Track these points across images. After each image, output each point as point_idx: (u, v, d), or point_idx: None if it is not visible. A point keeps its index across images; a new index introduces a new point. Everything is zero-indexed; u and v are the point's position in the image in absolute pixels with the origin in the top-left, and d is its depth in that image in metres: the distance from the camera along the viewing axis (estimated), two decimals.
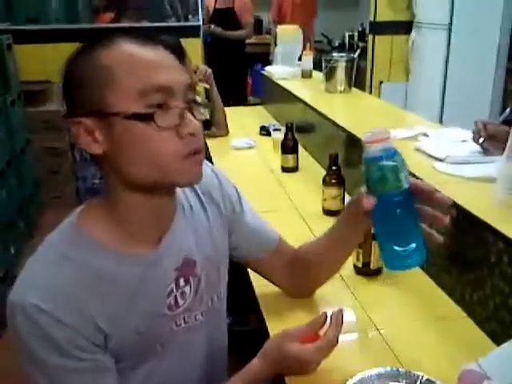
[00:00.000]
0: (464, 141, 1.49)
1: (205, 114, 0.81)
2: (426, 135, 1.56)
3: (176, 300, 0.86)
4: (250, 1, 4.39)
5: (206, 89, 2.34)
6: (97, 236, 0.79)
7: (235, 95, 2.62)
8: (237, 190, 1.04)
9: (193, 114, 0.76)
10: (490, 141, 1.36)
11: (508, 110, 1.03)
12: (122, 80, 0.72)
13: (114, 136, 0.73)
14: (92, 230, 0.79)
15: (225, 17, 4.36)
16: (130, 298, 0.80)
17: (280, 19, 4.57)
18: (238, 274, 1.05)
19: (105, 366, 0.78)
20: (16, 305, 0.72)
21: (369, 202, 0.83)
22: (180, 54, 0.79)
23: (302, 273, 1.08)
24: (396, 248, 0.82)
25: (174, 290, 0.86)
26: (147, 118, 0.71)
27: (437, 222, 0.83)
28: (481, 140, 1.37)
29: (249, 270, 1.19)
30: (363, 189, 0.87)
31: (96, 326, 0.76)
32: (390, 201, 0.81)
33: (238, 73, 4.26)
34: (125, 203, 0.79)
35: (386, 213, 0.82)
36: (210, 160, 2.08)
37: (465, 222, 1.04)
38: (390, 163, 0.80)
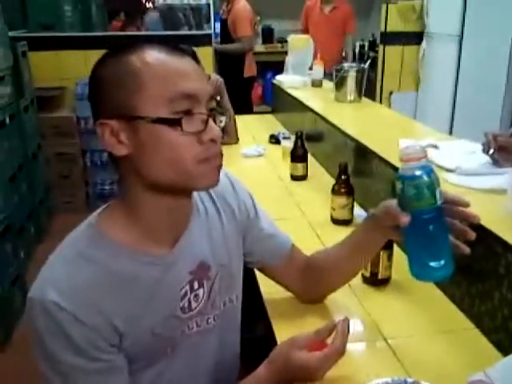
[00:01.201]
0: (474, 152, 1.49)
1: (223, 121, 0.84)
2: (435, 146, 1.56)
3: (189, 303, 0.87)
4: (247, 14, 4.19)
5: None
6: (115, 237, 0.81)
7: (238, 107, 2.65)
8: (251, 196, 1.06)
9: (214, 121, 0.79)
10: (500, 152, 1.36)
11: None
12: (151, 86, 0.75)
13: (139, 139, 0.75)
14: (110, 230, 0.81)
15: (223, 28, 4.37)
16: (146, 298, 0.81)
17: (307, 31, 4.40)
18: (246, 280, 1.06)
19: (118, 367, 0.79)
20: (36, 301, 0.74)
21: (406, 219, 0.84)
22: (197, 62, 0.82)
23: (314, 279, 1.09)
24: (426, 261, 0.84)
25: (188, 293, 0.87)
26: (174, 123, 0.74)
27: (465, 235, 0.86)
28: (491, 151, 1.37)
29: (257, 276, 1.19)
30: (391, 202, 0.89)
31: (113, 326, 0.77)
32: (423, 217, 0.83)
33: (239, 85, 4.17)
34: (143, 204, 0.81)
35: (419, 228, 0.84)
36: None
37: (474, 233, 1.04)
38: (428, 182, 0.82)
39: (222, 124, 0.83)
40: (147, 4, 4.12)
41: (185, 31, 4.00)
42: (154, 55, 0.77)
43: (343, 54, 4.40)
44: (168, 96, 0.74)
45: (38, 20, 3.73)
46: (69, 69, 3.74)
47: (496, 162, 1.38)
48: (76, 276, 0.76)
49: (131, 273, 0.80)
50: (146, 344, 0.82)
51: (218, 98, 2.35)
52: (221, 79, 2.40)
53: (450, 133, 3.64)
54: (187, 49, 1.83)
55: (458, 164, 1.37)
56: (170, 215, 0.83)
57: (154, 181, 0.78)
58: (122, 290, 0.79)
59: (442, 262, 0.84)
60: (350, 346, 0.89)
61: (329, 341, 0.88)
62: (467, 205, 0.86)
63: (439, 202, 0.83)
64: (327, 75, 2.91)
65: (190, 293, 0.87)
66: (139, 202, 0.81)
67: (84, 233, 0.81)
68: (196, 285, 0.88)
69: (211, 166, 0.79)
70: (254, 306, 1.20)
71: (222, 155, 0.81)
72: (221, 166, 0.82)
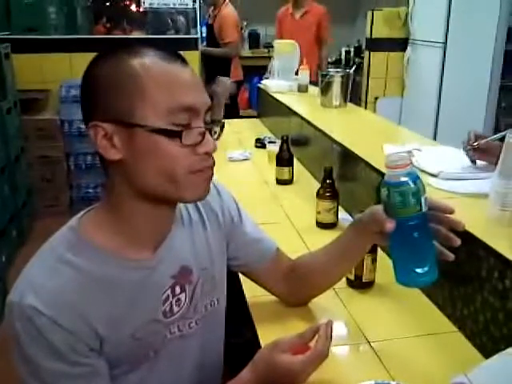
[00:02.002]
0: (456, 157, 1.51)
1: (218, 132, 0.84)
2: (419, 151, 1.58)
3: (171, 307, 0.87)
4: (233, 19, 4.18)
5: None
6: (97, 241, 0.80)
7: (224, 111, 2.66)
8: (235, 201, 1.06)
9: (211, 133, 0.79)
10: (481, 155, 1.38)
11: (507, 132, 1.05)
12: (153, 95, 0.73)
13: (134, 145, 0.74)
14: (92, 234, 0.80)
15: (209, 33, 4.37)
16: (127, 302, 0.80)
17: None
18: (231, 284, 1.05)
19: (98, 371, 0.78)
20: (14, 305, 0.73)
21: (391, 225, 0.85)
22: None
23: (299, 282, 1.09)
24: (411, 267, 0.85)
25: (170, 297, 0.86)
26: (174, 135, 0.74)
27: (449, 241, 0.86)
28: (468, 148, 1.39)
29: (242, 280, 1.19)
30: (378, 207, 0.90)
31: (93, 330, 0.76)
32: (409, 224, 0.84)
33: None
34: (128, 209, 0.80)
35: (404, 234, 0.85)
36: None
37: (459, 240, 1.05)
38: (413, 188, 0.82)
39: (216, 136, 0.83)
40: (133, 8, 4.11)
41: (171, 35, 3.99)
42: (154, 61, 0.75)
43: (323, 64, 4.20)
44: (169, 106, 0.74)
45: (22, 22, 3.69)
46: (53, 71, 3.71)
47: (473, 162, 1.40)
48: (55, 280, 0.75)
49: (112, 277, 0.79)
50: (127, 348, 0.81)
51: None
52: (229, 80, 2.41)
53: (434, 138, 3.68)
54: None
55: (441, 168, 1.38)
56: (155, 221, 0.83)
57: (142, 188, 0.78)
58: (102, 295, 0.78)
59: (427, 268, 0.84)
60: (333, 349, 0.89)
61: (312, 344, 0.87)
62: (452, 211, 0.86)
63: (424, 209, 0.83)
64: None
65: (172, 297, 0.87)
66: (124, 207, 0.80)
67: (65, 236, 0.80)
68: (178, 289, 0.88)
69: (202, 177, 0.79)
70: (238, 311, 1.19)
71: (213, 166, 0.81)
72: (211, 177, 0.82)
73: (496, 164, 1.10)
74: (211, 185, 1.00)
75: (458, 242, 0.86)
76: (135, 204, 0.80)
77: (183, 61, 0.79)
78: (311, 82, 2.92)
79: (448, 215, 0.86)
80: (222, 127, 1.01)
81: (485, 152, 1.36)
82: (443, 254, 0.87)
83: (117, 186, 0.79)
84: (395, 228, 0.85)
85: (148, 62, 0.75)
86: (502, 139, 1.10)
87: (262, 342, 1.02)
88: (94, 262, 0.78)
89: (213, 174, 0.82)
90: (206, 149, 0.77)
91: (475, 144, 1.37)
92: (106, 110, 0.74)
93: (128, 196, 0.79)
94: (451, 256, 0.87)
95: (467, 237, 1.02)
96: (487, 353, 0.97)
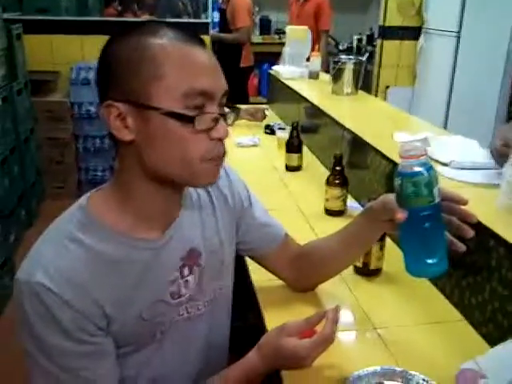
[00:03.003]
0: (467, 147, 1.50)
1: (232, 118, 0.82)
2: (430, 140, 1.56)
3: (179, 289, 0.87)
4: (246, 4, 4.16)
5: None
6: (106, 219, 0.80)
7: (234, 97, 2.65)
8: (246, 186, 1.06)
9: (225, 119, 0.78)
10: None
11: None
12: (171, 77, 0.72)
13: (147, 128, 0.74)
14: (101, 213, 0.80)
15: (222, 18, 4.35)
16: (135, 282, 0.81)
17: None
18: (238, 268, 1.06)
19: (105, 351, 0.79)
20: (23, 283, 0.73)
21: (403, 215, 0.84)
22: None
23: (307, 268, 1.09)
24: (421, 258, 0.84)
25: (178, 279, 0.87)
26: (188, 119, 0.73)
27: (462, 233, 0.86)
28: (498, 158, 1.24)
29: (249, 264, 1.19)
30: (390, 196, 0.89)
31: (101, 309, 0.77)
32: (421, 215, 0.83)
33: (235, 74, 4.03)
34: (138, 190, 0.80)
35: (416, 225, 0.84)
36: None
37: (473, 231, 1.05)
38: (427, 179, 0.81)
39: (231, 121, 0.82)
40: None
41: (182, 19, 3.96)
42: (173, 42, 0.74)
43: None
44: (185, 90, 0.73)
45: (34, 3, 3.68)
46: (63, 53, 3.70)
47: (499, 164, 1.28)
48: (64, 258, 0.75)
49: (120, 256, 0.79)
50: (134, 328, 0.81)
51: None
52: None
53: (445, 128, 3.65)
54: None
55: (453, 158, 1.37)
56: (164, 203, 0.83)
57: (153, 171, 0.77)
58: (110, 273, 0.78)
59: (437, 259, 0.84)
60: (340, 335, 0.89)
61: (319, 328, 0.88)
62: (465, 202, 0.85)
63: (437, 200, 0.82)
64: None
65: (180, 278, 0.87)
66: (134, 187, 0.80)
67: (73, 215, 0.80)
68: (186, 271, 0.88)
69: (214, 163, 0.79)
70: (244, 295, 1.20)
71: (225, 153, 0.80)
72: (222, 163, 0.81)
73: None
74: (221, 169, 1.00)
75: (471, 233, 0.85)
76: (144, 185, 0.79)
77: (202, 43, 0.78)
78: None
79: (461, 206, 0.86)
80: (238, 113, 1.00)
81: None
82: (455, 245, 0.86)
83: (127, 166, 0.79)
84: (407, 218, 0.84)
85: (167, 43, 0.74)
86: None
87: (269, 327, 1.03)
88: (103, 241, 0.78)
89: (224, 159, 0.82)
90: (219, 134, 0.77)
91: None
92: (122, 89, 0.74)
93: (138, 177, 0.79)
94: (463, 247, 0.86)
95: (477, 226, 1.01)
96: (493, 342, 0.97)
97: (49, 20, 3.69)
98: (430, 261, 0.84)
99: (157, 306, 0.84)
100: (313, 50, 2.90)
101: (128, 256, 0.80)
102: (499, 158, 1.22)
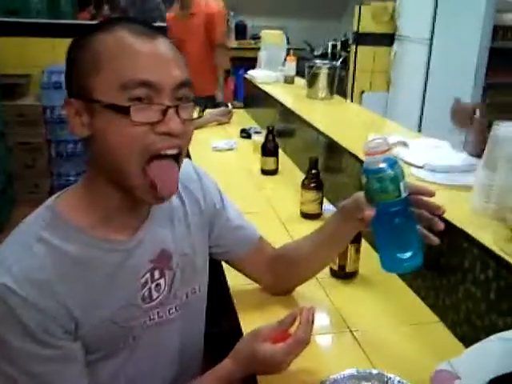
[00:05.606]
0: (441, 149, 1.51)
1: (193, 113, 0.79)
2: (404, 143, 1.58)
3: (150, 292, 0.85)
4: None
5: None
6: (74, 220, 0.78)
7: (210, 100, 2.63)
8: (217, 186, 1.05)
9: (178, 113, 0.74)
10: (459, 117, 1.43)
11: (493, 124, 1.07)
12: (107, 69, 0.72)
13: (94, 122, 0.73)
14: (69, 214, 0.78)
15: None
16: (104, 285, 0.79)
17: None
18: (213, 272, 1.04)
19: (72, 356, 0.76)
20: None
21: (371, 213, 0.85)
22: None
23: (283, 271, 1.08)
24: (394, 253, 0.85)
25: (149, 282, 0.85)
26: (123, 110, 0.71)
27: (433, 225, 0.86)
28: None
29: (224, 269, 1.18)
30: (360, 194, 0.90)
31: (68, 311, 0.74)
32: (389, 210, 0.83)
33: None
34: (99, 190, 0.79)
35: (386, 221, 0.85)
36: (190, 158, 2.06)
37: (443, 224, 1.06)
38: (391, 174, 0.82)
39: (189, 115, 0.77)
40: None
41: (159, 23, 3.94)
42: (119, 35, 0.74)
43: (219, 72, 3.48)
44: (122, 82, 0.71)
45: (4, 5, 3.61)
46: (35, 56, 3.64)
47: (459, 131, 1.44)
48: (30, 259, 0.73)
49: (88, 258, 0.77)
50: (104, 333, 0.79)
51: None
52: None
53: (419, 132, 3.70)
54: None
55: (426, 160, 1.38)
56: (130, 203, 0.80)
57: (106, 169, 0.76)
58: (77, 275, 0.76)
59: (410, 253, 0.84)
60: (315, 338, 0.88)
61: (293, 330, 0.87)
62: (432, 194, 0.86)
63: (404, 194, 0.83)
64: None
65: (151, 282, 0.85)
66: (96, 187, 0.79)
67: (40, 216, 0.78)
68: (157, 274, 0.86)
69: (160, 172, 0.74)
70: (219, 299, 1.18)
71: (181, 153, 0.77)
72: (175, 167, 0.77)
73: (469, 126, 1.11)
74: (192, 170, 0.98)
75: (441, 225, 0.85)
76: (104, 184, 0.78)
77: (157, 34, 0.76)
78: (209, 97, 2.91)
79: (428, 199, 0.86)
80: (203, 107, 0.95)
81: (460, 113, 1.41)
82: (428, 238, 0.87)
83: (90, 165, 0.79)
84: (377, 214, 0.85)
85: (112, 36, 0.74)
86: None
87: (245, 331, 1.01)
88: (71, 242, 0.76)
89: (179, 164, 0.78)
90: (167, 128, 0.72)
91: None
92: (75, 86, 0.75)
93: (96, 175, 0.78)
94: (436, 240, 0.87)
95: (450, 228, 1.02)
96: (468, 342, 0.97)
97: (19, 22, 3.63)
98: (403, 256, 0.84)
99: (128, 309, 0.82)
100: (206, 66, 2.89)
101: (96, 257, 0.78)
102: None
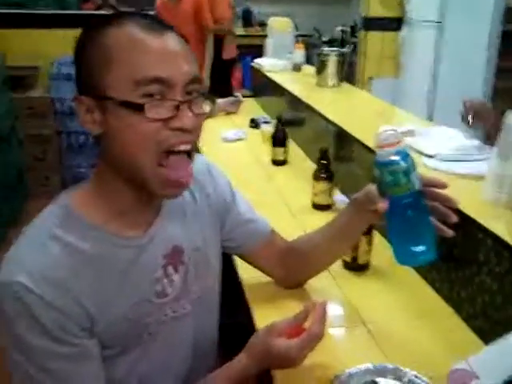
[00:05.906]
0: (453, 138, 1.49)
1: (207, 108, 0.78)
2: (415, 132, 1.56)
3: (164, 288, 0.85)
4: None
5: None
6: (86, 217, 0.78)
7: (217, 90, 2.62)
8: (228, 180, 1.04)
9: (191, 108, 0.74)
10: (475, 118, 1.42)
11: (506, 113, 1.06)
12: (120, 66, 0.71)
13: (108, 119, 0.73)
14: (82, 210, 0.78)
15: None
16: (118, 281, 0.79)
17: None
18: (226, 266, 1.04)
19: (89, 353, 0.77)
20: (3, 284, 0.71)
21: (384, 205, 0.84)
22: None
23: (295, 264, 1.08)
24: (408, 246, 0.84)
25: (163, 277, 0.85)
26: (138, 107, 0.70)
27: (446, 218, 0.85)
28: (469, 120, 1.41)
29: (237, 262, 1.18)
30: (372, 186, 0.89)
31: (83, 309, 0.75)
32: (402, 203, 0.83)
33: (218, 67, 3.71)
34: (111, 186, 0.79)
35: (399, 213, 0.84)
36: (199, 151, 2.06)
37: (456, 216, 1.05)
38: (403, 167, 0.81)
39: (202, 110, 0.77)
40: None
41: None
42: (129, 30, 0.73)
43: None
44: (135, 79, 0.71)
45: None
46: (43, 48, 3.63)
47: (473, 130, 1.44)
48: (45, 257, 0.73)
49: (102, 254, 0.78)
50: (119, 329, 0.80)
51: None
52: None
53: (430, 119, 3.66)
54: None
55: (438, 150, 1.37)
56: (138, 200, 0.81)
57: (120, 166, 0.76)
58: (92, 272, 0.76)
59: (425, 246, 0.83)
60: (329, 331, 0.88)
61: (307, 324, 0.87)
62: (445, 186, 0.85)
63: (417, 187, 0.82)
64: None
65: (165, 277, 0.85)
66: (108, 183, 0.79)
67: (53, 213, 0.78)
68: (171, 269, 0.86)
69: (174, 166, 0.74)
70: (233, 292, 1.18)
71: (193, 149, 0.77)
72: (188, 162, 0.77)
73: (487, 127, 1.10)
74: (202, 164, 0.98)
75: (454, 218, 0.84)
76: (116, 180, 0.78)
77: (166, 29, 0.75)
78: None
79: (441, 191, 0.85)
80: (214, 102, 0.96)
81: (477, 114, 1.41)
82: (442, 230, 0.86)
83: (102, 162, 0.79)
84: (390, 207, 0.84)
85: (121, 32, 0.73)
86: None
87: (258, 325, 1.02)
88: (85, 239, 0.76)
89: (191, 159, 0.78)
90: (180, 123, 0.72)
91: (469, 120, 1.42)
92: (86, 83, 0.75)
93: (108, 171, 0.78)
94: (450, 232, 0.86)
95: (464, 219, 1.01)
96: (483, 336, 0.97)
97: (25, 13, 3.62)
98: (417, 249, 0.83)
99: (142, 305, 0.82)
100: (199, 53, 2.78)
101: (109, 254, 0.78)
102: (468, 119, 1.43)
